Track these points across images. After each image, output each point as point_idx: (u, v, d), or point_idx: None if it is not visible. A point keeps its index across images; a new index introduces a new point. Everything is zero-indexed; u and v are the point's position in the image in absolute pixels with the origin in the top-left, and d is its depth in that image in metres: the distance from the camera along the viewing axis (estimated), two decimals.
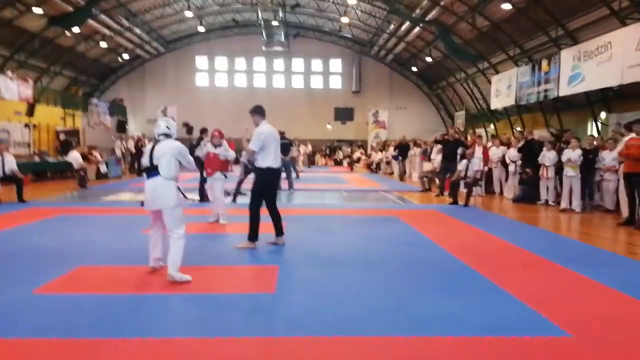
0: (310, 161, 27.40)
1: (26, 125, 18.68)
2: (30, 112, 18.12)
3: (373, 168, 22.89)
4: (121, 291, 4.31)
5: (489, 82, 22.40)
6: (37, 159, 17.26)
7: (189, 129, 25.52)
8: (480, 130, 24.40)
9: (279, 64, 32.84)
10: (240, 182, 10.99)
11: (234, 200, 10.60)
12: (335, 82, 33.26)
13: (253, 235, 6.03)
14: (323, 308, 3.91)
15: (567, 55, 15.59)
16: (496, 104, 21.78)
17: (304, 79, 33.16)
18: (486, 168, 12.59)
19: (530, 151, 11.34)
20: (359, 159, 27.06)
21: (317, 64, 33.17)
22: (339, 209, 10.29)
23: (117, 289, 4.38)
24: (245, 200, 10.99)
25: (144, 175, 4.79)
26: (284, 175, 12.89)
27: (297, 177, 17.97)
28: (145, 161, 4.78)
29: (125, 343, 3.18)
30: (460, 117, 28.16)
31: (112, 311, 3.79)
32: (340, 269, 5.17)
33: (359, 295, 4.28)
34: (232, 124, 27.77)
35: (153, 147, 4.77)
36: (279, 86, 32.78)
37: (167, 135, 4.80)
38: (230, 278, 4.87)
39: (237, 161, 11.04)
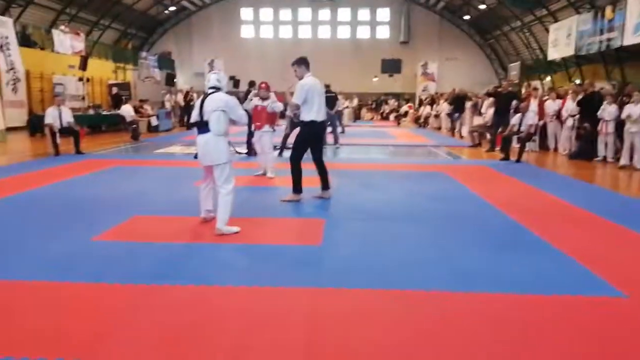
0: (356, 115, 27.05)
1: (80, 79, 19.25)
2: (84, 65, 18.61)
3: (421, 122, 22.40)
4: (174, 240, 4.48)
5: (547, 30, 21.17)
6: (91, 112, 17.86)
7: (235, 82, 25.76)
8: (536, 83, 23.29)
9: (324, 14, 32.11)
10: (286, 136, 11.01)
11: (280, 154, 10.68)
12: (383, 33, 32.31)
13: (297, 188, 6.08)
14: (369, 261, 3.94)
15: (635, 1, 14.43)
16: (554, 54, 20.64)
17: (350, 29, 32.38)
18: (541, 122, 12.07)
19: (589, 105, 10.75)
20: (406, 113, 26.50)
21: (363, 14, 32.21)
22: (385, 164, 10.19)
23: (170, 237, 4.56)
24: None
25: (195, 129, 4.81)
26: (329, 129, 12.84)
27: (343, 131, 17.85)
28: (195, 116, 4.77)
29: (178, 290, 3.32)
30: (514, 68, 26.91)
31: (166, 259, 3.96)
32: (385, 223, 5.16)
33: (404, 249, 4.27)
34: (277, 76, 27.53)
35: (203, 101, 4.73)
36: (325, 37, 32.18)
37: (218, 89, 4.75)
38: (278, 230, 4.96)
39: (283, 115, 11.04)
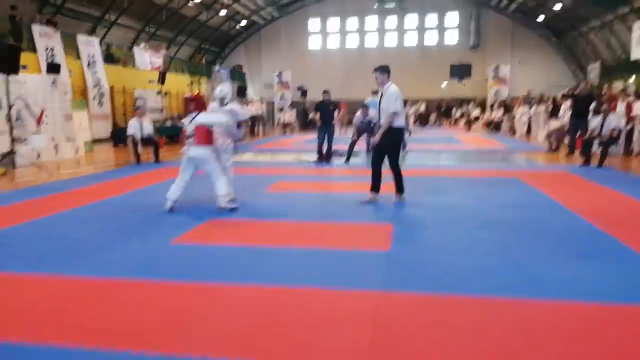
0: (425, 121, 26.63)
1: (158, 92, 20.34)
2: (162, 80, 19.63)
3: (492, 127, 21.66)
4: (248, 243, 4.64)
5: (630, 29, 19.83)
6: (169, 123, 18.80)
7: (303, 92, 26.13)
8: (618, 84, 21.88)
9: (391, 21, 31.95)
10: (353, 143, 11.06)
11: (347, 160, 10.73)
12: (451, 38, 31.62)
13: (375, 187, 6.33)
14: (438, 267, 3.87)
15: None
16: (638, 53, 19.28)
17: (417, 35, 31.95)
18: (629, 126, 11.33)
19: None
20: (476, 118, 25.73)
21: (431, 19, 31.71)
22: (454, 170, 9.95)
23: (244, 240, 4.73)
24: (358, 160, 11.09)
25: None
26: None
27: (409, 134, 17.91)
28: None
29: (250, 290, 3.43)
30: (594, 69, 25.42)
31: (239, 260, 4.10)
32: (454, 229, 5.05)
33: (474, 256, 4.16)
34: (342, 85, 27.66)
35: None
36: (391, 45, 31.96)
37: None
38: (347, 235, 4.98)
39: (350, 122, 11.07)
